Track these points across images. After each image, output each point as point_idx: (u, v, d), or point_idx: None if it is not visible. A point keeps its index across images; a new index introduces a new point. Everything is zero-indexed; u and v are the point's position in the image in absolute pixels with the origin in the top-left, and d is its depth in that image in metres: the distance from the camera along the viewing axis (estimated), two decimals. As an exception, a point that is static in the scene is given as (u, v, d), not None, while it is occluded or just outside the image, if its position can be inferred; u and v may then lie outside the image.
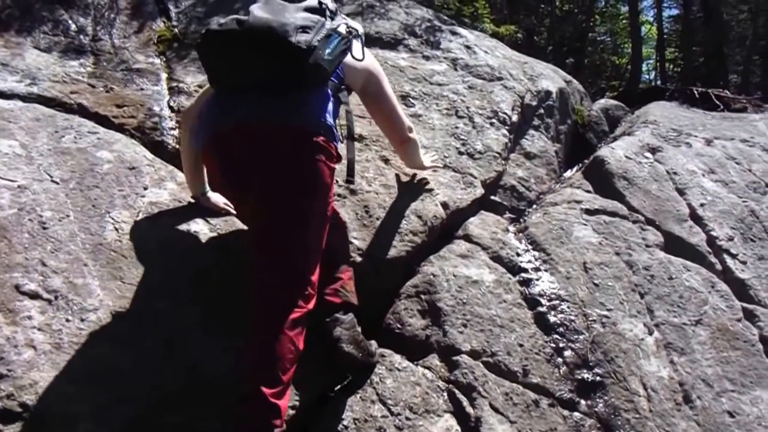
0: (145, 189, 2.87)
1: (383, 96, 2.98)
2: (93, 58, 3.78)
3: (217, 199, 2.93)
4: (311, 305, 2.36)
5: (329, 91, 2.57)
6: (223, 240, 2.80)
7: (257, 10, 2.39)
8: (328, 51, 2.40)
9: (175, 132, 3.38)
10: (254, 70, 2.42)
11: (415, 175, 3.43)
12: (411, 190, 3.35)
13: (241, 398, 2.13)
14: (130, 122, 3.34)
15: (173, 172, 3.06)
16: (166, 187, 2.93)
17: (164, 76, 3.79)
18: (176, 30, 4.25)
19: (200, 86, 3.73)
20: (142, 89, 3.61)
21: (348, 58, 2.62)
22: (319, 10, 2.50)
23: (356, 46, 2.65)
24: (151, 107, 3.48)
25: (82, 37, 3.89)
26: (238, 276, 2.61)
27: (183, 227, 2.76)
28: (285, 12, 2.40)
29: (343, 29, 2.50)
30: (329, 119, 2.51)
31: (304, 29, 2.35)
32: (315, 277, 2.41)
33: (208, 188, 2.91)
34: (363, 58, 2.69)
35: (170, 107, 3.53)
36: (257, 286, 2.32)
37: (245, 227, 2.83)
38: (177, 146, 3.29)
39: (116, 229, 2.63)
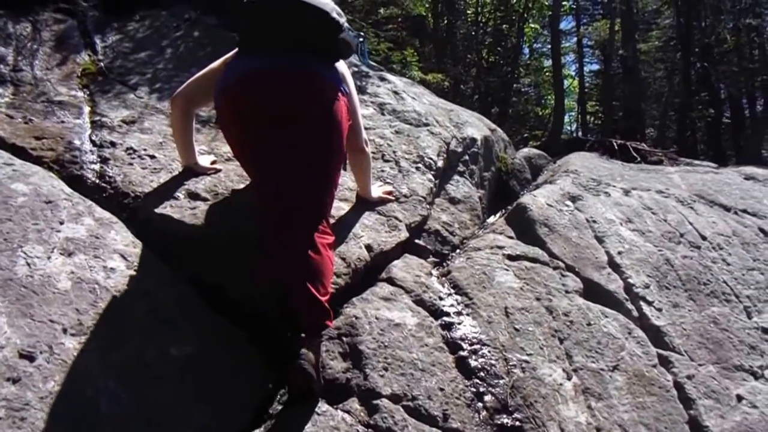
0: (61, 224, 2.77)
1: (351, 97, 3.20)
2: (12, 88, 3.67)
3: (205, 162, 3.46)
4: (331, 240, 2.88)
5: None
6: (139, 278, 2.72)
7: None
8: (352, 35, 3.05)
9: (96, 166, 3.29)
10: (292, 35, 2.90)
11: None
12: (335, 231, 3.33)
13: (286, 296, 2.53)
14: (48, 155, 3.24)
15: (91, 207, 2.96)
16: (84, 223, 2.84)
17: (87, 109, 3.70)
18: (102, 64, 4.18)
19: (124, 121, 3.67)
20: (63, 122, 3.52)
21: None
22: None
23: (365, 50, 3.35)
24: (72, 140, 3.38)
25: (1, 66, 3.78)
26: (151, 315, 2.55)
27: (99, 264, 2.68)
28: None
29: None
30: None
31: (338, 13, 2.95)
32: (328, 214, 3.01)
33: (197, 157, 3.41)
34: (367, 62, 3.58)
35: (92, 141, 3.44)
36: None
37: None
38: (97, 180, 3.20)
39: (28, 265, 2.51)
